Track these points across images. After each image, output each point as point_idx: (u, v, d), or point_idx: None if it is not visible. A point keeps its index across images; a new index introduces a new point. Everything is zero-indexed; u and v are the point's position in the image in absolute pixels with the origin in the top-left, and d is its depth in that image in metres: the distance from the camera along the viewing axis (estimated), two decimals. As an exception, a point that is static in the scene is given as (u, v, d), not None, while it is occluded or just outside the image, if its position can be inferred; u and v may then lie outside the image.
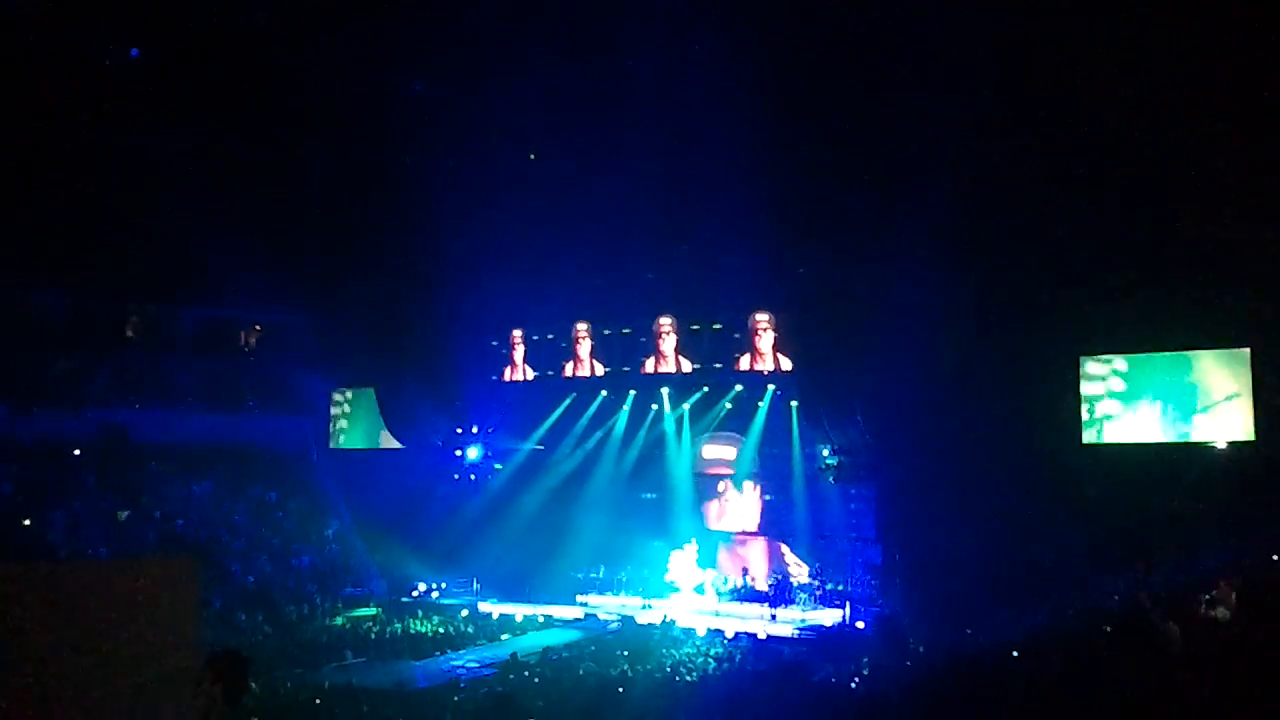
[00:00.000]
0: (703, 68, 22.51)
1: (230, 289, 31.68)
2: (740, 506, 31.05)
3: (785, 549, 29.72)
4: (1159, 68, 19.81)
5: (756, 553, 30.34)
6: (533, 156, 25.95)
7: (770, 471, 30.16)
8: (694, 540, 29.86)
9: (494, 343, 32.42)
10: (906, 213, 22.63)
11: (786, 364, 27.92)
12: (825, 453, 27.72)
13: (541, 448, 32.63)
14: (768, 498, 30.37)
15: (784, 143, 23.91)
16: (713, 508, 31.49)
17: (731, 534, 30.99)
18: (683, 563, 29.72)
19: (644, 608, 28.00)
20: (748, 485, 30.83)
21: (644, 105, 23.35)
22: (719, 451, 31.42)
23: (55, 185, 26.18)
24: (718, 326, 28.95)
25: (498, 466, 32.95)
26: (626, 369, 30.38)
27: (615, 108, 24.04)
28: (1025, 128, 21.47)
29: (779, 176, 24.44)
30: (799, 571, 28.86)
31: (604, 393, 31.36)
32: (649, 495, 32.03)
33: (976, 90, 20.64)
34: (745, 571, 29.40)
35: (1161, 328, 23.48)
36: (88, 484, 28.89)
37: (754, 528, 30.61)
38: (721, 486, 31.35)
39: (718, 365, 29.01)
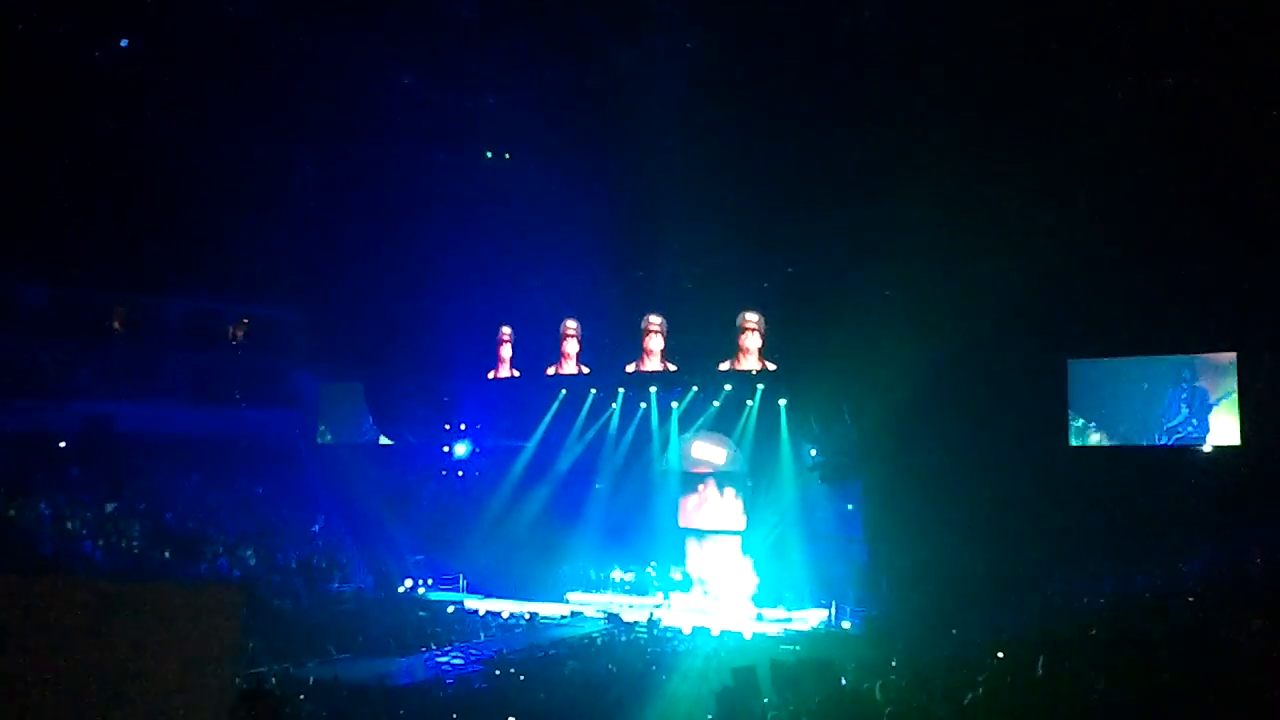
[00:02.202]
0: (694, 67, 22.49)
1: (218, 281, 31.55)
2: (718, 506, 30.98)
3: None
4: (1145, 72, 19.88)
5: (732, 552, 30.25)
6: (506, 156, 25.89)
7: (759, 471, 30.06)
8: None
9: (484, 339, 32.35)
10: (894, 214, 22.66)
11: (774, 364, 27.96)
12: (813, 452, 27.78)
13: (531, 445, 32.55)
14: (751, 497, 30.27)
15: (773, 143, 23.91)
16: (690, 503, 31.37)
17: (706, 531, 30.95)
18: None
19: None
20: (729, 488, 30.83)
21: (635, 104, 23.31)
22: (706, 451, 31.23)
23: (41, 176, 26.03)
24: (706, 326, 28.91)
25: (485, 463, 32.93)
26: (614, 367, 30.34)
27: (606, 106, 24.01)
28: (1013, 130, 21.51)
29: (768, 176, 24.44)
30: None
31: (594, 391, 31.27)
32: (638, 494, 32.02)
33: (964, 92, 20.67)
34: (726, 570, 29.45)
35: (1149, 332, 23.57)
36: (72, 476, 28.74)
37: (731, 527, 30.57)
38: (702, 485, 31.28)
39: (706, 365, 29.00)
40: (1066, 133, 21.27)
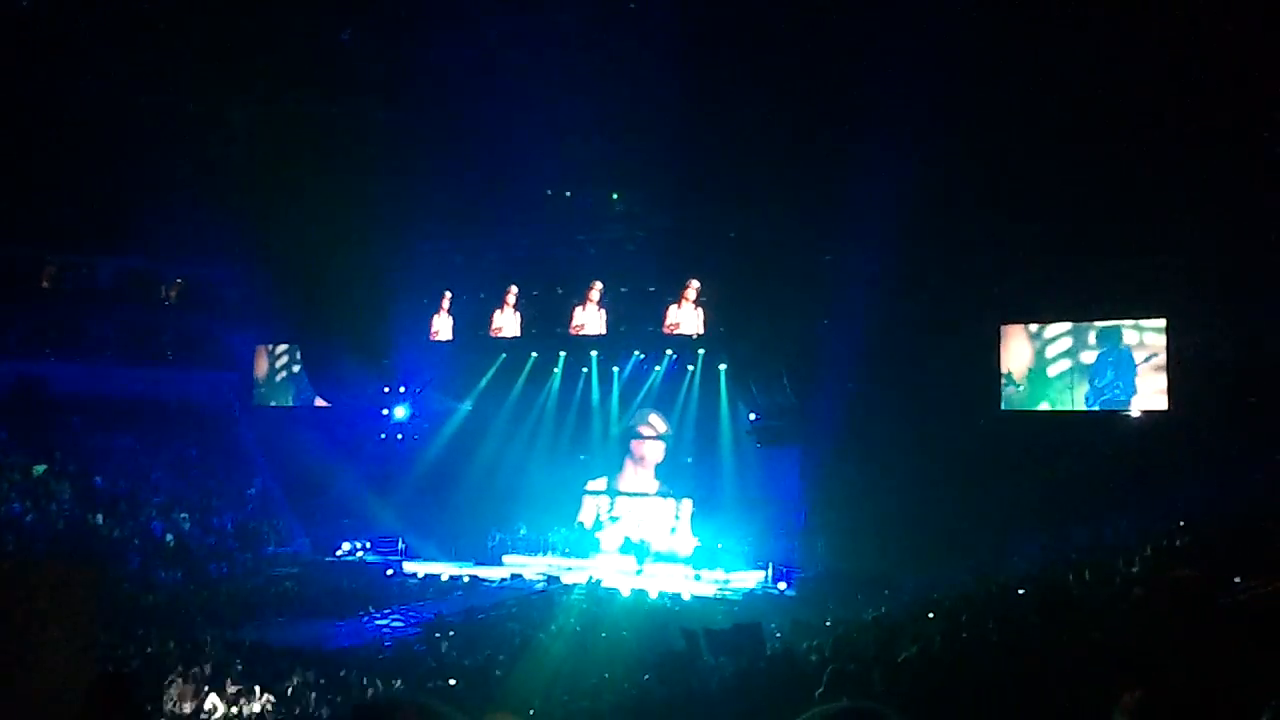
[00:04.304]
0: (639, 28, 22.35)
1: (151, 240, 30.94)
2: (656, 470, 31.43)
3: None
4: (1085, 43, 20.10)
5: (671, 515, 30.57)
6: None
7: (697, 435, 30.24)
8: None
9: (424, 301, 32.04)
10: (834, 180, 22.77)
11: (715, 328, 28.05)
12: (751, 416, 27.97)
13: (469, 407, 32.44)
14: (691, 461, 30.53)
15: (716, 108, 23.86)
16: (629, 467, 31.61)
17: (646, 494, 31.21)
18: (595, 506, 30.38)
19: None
20: (664, 450, 31.18)
21: (579, 64, 23.15)
22: (650, 420, 31.57)
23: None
24: (647, 291, 28.90)
25: (424, 426, 32.76)
26: (555, 331, 30.26)
27: (548, 67, 23.79)
28: (953, 99, 21.65)
29: (710, 141, 24.41)
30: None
31: (534, 354, 31.18)
32: (579, 457, 32.08)
33: (907, 62, 20.75)
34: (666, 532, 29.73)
35: (1081, 298, 23.98)
36: (1, 438, 28.20)
37: (670, 491, 30.88)
38: (641, 451, 31.51)
39: (647, 329, 29.02)
40: (1001, 102, 21.48)
